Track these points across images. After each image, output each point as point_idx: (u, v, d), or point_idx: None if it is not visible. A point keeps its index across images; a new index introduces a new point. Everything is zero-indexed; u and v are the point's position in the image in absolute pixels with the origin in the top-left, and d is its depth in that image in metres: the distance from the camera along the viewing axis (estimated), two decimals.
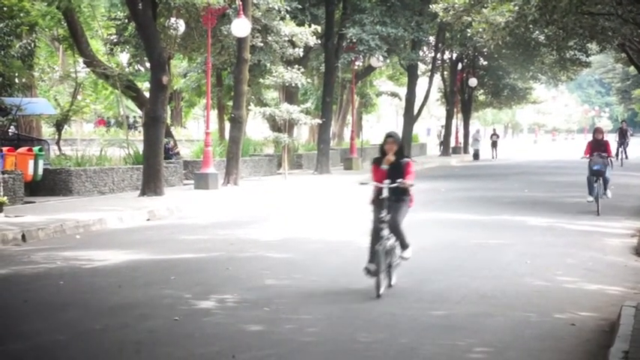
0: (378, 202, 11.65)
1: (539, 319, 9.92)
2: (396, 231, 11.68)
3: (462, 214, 21.76)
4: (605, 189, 21.90)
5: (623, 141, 47.96)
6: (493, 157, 57.81)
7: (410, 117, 54.04)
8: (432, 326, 9.61)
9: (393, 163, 11.65)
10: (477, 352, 8.57)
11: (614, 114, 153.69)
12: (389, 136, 11.87)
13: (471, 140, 61.38)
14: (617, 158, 40.71)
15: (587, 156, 21.94)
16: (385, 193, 11.49)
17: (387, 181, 11.52)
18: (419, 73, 58.18)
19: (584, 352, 8.59)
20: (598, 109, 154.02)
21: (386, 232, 11.47)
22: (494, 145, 58.69)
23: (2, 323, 9.87)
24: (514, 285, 12.04)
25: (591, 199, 21.77)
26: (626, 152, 48.14)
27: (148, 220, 20.91)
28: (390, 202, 11.53)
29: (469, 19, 31.88)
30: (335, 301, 10.94)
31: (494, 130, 63.21)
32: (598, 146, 22.05)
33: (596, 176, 21.65)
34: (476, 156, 58.29)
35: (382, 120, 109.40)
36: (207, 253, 15.15)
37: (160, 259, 14.46)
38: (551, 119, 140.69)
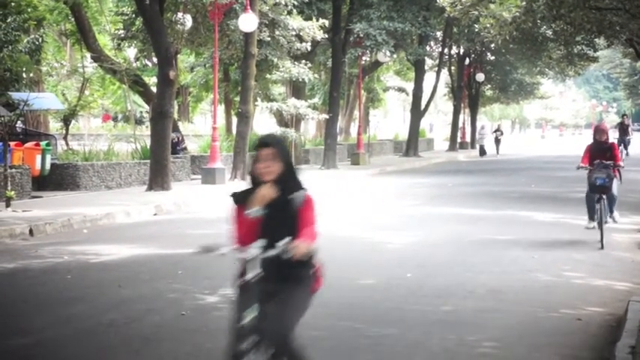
0: (244, 286, 6.08)
1: (545, 314, 9.92)
2: (279, 347, 5.97)
3: (468, 209, 21.75)
4: (612, 211, 15.74)
5: (624, 138, 42.53)
6: (496, 153, 57.16)
7: (417, 112, 54.05)
8: (439, 321, 9.62)
9: (273, 203, 5.99)
10: (484, 347, 8.58)
11: (622, 109, 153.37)
12: (264, 144, 6.06)
13: (477, 136, 60.70)
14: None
15: (586, 166, 15.53)
16: (255, 271, 5.92)
17: (258, 244, 5.93)
18: (426, 68, 58.16)
19: (590, 347, 8.59)
20: (606, 104, 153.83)
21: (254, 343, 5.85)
22: (497, 141, 58.33)
23: (10, 317, 9.90)
24: (521, 280, 12.04)
25: (592, 224, 15.58)
26: (627, 150, 42.26)
27: (155, 214, 20.94)
28: (269, 288, 5.95)
29: (476, 13, 31.84)
30: (342, 295, 10.94)
31: (498, 126, 62.81)
32: (600, 151, 15.65)
33: (599, 193, 15.39)
34: (482, 152, 57.06)
35: (389, 115, 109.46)
36: None
37: (166, 254, 14.48)
38: (558, 114, 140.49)
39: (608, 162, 15.45)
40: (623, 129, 42.18)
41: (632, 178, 32.44)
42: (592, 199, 15.61)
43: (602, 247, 14.91)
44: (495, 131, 59.44)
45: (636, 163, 41.09)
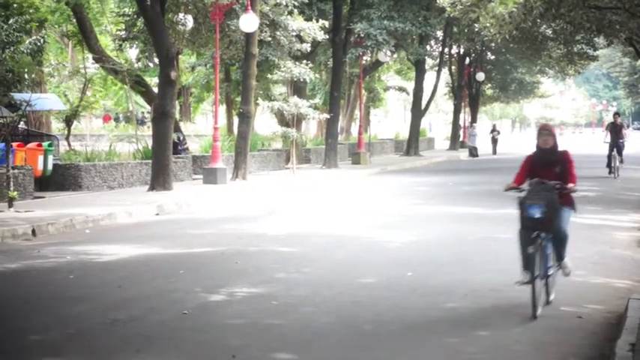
0: None
1: (545, 312, 9.95)
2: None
3: (469, 208, 21.80)
4: (561, 257, 10.53)
5: (617, 141, 33.70)
6: (494, 153, 56.73)
7: (418, 111, 54.14)
8: (439, 319, 9.67)
9: None
10: (484, 345, 8.62)
11: (622, 108, 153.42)
12: None
13: (468, 136, 58.99)
14: (610, 170, 33.03)
15: (517, 187, 10.45)
16: None
17: None
18: (426, 67, 58.24)
19: (590, 345, 8.63)
20: (605, 103, 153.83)
21: None
22: (494, 141, 58.06)
23: (13, 317, 9.95)
24: None
25: (527, 278, 9.91)
26: (621, 156, 34.04)
27: (157, 214, 20.98)
28: None
29: (476, 12, 31.88)
30: (343, 294, 10.99)
31: (494, 125, 62.51)
32: (545, 165, 10.50)
33: (535, 232, 10.02)
34: (472, 153, 54.97)
35: (390, 114, 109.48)
36: (216, 247, 15.21)
37: (168, 254, 14.53)
38: (558, 113, 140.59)
39: (552, 182, 10.15)
40: (615, 130, 34.58)
41: (632, 177, 32.53)
42: (525, 240, 10.03)
43: (534, 318, 9.65)
44: (492, 131, 59.34)
45: (635, 162, 41.11)
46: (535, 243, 9.94)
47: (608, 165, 33.29)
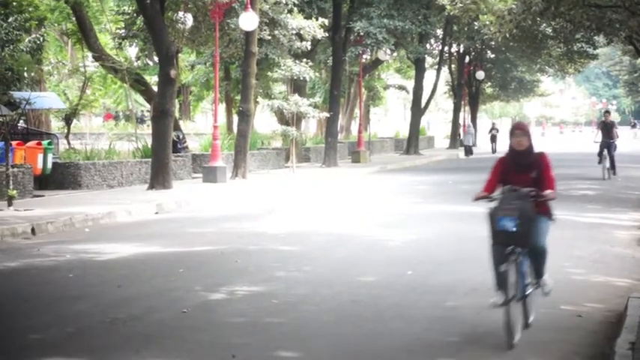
0: None
1: (545, 310, 9.95)
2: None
3: (468, 207, 21.62)
4: (540, 274, 9.24)
5: (608, 142, 30.84)
6: (493, 152, 56.45)
7: (417, 110, 54.17)
8: (440, 318, 9.66)
9: None
10: (484, 344, 8.62)
11: (622, 106, 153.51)
12: None
13: (466, 135, 58.53)
14: (603, 172, 30.70)
15: (487, 195, 9.05)
16: None
17: None
18: (426, 66, 58.23)
19: (590, 344, 8.63)
20: (605, 101, 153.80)
21: None
22: (493, 139, 57.88)
23: (12, 316, 9.94)
24: None
25: (501, 300, 8.60)
26: (613, 162, 31.20)
27: (157, 213, 20.98)
28: None
29: (474, 6, 31.86)
30: (343, 292, 10.99)
31: (493, 124, 62.34)
32: (519, 169, 9.15)
33: (507, 246, 8.70)
34: (468, 151, 54.62)
35: (390, 113, 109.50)
36: (215, 245, 15.21)
37: (168, 252, 14.52)
38: (558, 112, 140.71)
39: (527, 189, 8.83)
40: (606, 129, 31.34)
41: (632, 175, 32.53)
42: (498, 256, 8.73)
43: (510, 347, 8.46)
44: (491, 129, 59.28)
45: (634, 160, 41.14)
46: (509, 260, 8.63)
47: (599, 160, 31.09)
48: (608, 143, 30.77)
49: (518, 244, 8.66)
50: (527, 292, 8.98)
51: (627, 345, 7.88)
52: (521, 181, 8.95)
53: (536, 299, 9.34)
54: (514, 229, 8.55)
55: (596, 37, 45.08)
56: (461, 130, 64.99)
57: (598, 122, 34.31)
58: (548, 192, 8.95)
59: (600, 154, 31.01)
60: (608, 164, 30.82)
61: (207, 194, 24.82)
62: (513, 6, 28.23)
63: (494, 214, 8.69)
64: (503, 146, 59.06)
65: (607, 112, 33.86)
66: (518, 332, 8.63)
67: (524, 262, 8.86)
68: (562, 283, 11.63)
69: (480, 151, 56.74)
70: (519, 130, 9.21)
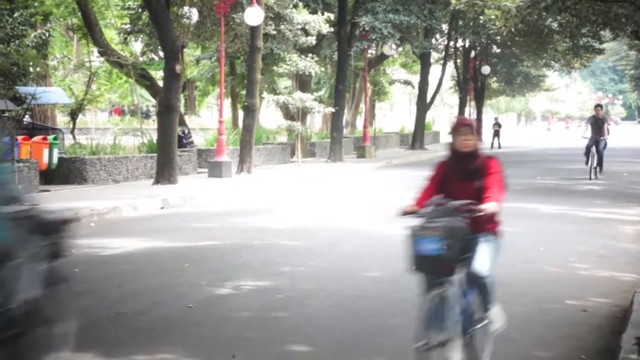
0: None
1: (551, 305, 9.95)
2: None
3: None
4: (487, 303, 7.37)
5: (598, 138, 28.43)
6: (497, 147, 55.91)
7: (423, 105, 54.15)
8: None
9: None
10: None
11: (628, 101, 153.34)
12: None
13: None
14: (590, 172, 28.44)
15: (416, 210, 7.41)
16: None
17: None
18: (432, 61, 58.18)
19: (596, 339, 8.62)
20: (611, 96, 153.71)
21: None
22: (496, 134, 57.59)
23: None
24: (527, 272, 12.06)
25: (423, 342, 6.78)
26: (601, 161, 28.91)
27: (162, 208, 20.98)
28: None
29: (481, 3, 31.82)
30: (349, 287, 10.99)
31: (495, 118, 62.08)
32: (461, 175, 7.39)
33: (429, 273, 6.90)
34: None
35: (395, 108, 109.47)
36: (220, 240, 15.21)
37: (173, 247, 14.53)
38: (564, 107, 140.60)
39: (457, 203, 7.03)
40: (597, 124, 28.62)
41: (639, 170, 32.46)
42: (424, 287, 7.03)
43: None
44: (494, 124, 59.12)
45: (637, 155, 41.06)
46: (436, 291, 6.83)
47: (586, 161, 28.63)
48: (597, 140, 28.33)
49: (441, 272, 6.80)
50: (472, 328, 7.22)
51: (633, 340, 7.86)
52: (463, 192, 7.19)
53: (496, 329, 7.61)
54: (437, 252, 6.69)
55: (602, 32, 45.03)
56: None
57: (588, 118, 30.60)
58: (486, 205, 6.99)
59: (587, 152, 28.53)
60: (595, 163, 28.41)
61: (213, 189, 24.83)
62: (521, 4, 28.18)
63: (414, 234, 6.93)
64: (509, 142, 59.04)
65: (599, 105, 30.66)
66: None
67: (468, 292, 7.13)
68: (567, 278, 11.65)
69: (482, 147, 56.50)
70: (465, 126, 7.36)
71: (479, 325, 7.27)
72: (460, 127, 7.34)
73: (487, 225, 7.30)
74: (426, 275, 6.92)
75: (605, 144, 28.84)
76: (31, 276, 6.17)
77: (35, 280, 6.24)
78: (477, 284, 7.15)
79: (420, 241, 6.81)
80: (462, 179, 7.28)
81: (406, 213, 7.42)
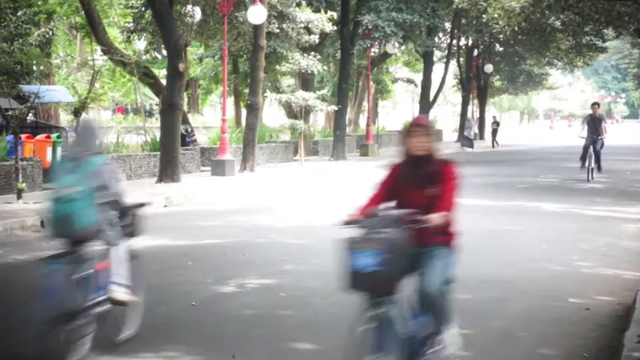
0: None
1: (554, 303, 9.96)
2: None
3: (477, 200, 21.75)
4: (438, 332, 6.58)
5: (594, 138, 27.33)
6: (494, 146, 55.71)
7: (426, 103, 54.17)
8: None
9: None
10: (492, 337, 8.62)
11: (631, 99, 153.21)
12: None
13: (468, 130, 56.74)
14: (588, 173, 27.29)
15: (355, 221, 6.86)
16: None
17: None
18: (435, 59, 58.20)
19: (599, 337, 8.64)
20: (614, 94, 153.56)
21: None
22: (494, 133, 57.27)
23: (22, 309, 9.97)
24: (530, 270, 12.08)
25: None
26: (599, 162, 28.04)
27: (165, 206, 21.00)
28: None
29: (484, 4, 31.86)
30: None
31: (494, 117, 61.67)
32: (414, 180, 6.66)
33: (369, 292, 6.32)
34: (465, 145, 52.12)
35: (398, 106, 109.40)
36: (224, 239, 15.23)
37: (177, 245, 14.55)
38: (567, 105, 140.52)
39: (400, 212, 6.49)
40: (594, 123, 27.52)
41: (639, 168, 32.46)
42: (365, 305, 6.44)
43: None
44: (492, 123, 58.99)
45: (638, 153, 41.01)
46: (374, 312, 6.27)
47: (582, 161, 27.69)
48: (594, 139, 27.30)
49: (381, 290, 6.21)
50: (419, 358, 6.55)
51: (636, 338, 7.88)
52: (414, 199, 6.55)
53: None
54: (373, 268, 6.09)
55: (604, 30, 45.05)
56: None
57: (585, 116, 29.32)
58: (433, 216, 6.32)
59: (584, 154, 27.53)
60: (593, 164, 27.40)
61: (216, 187, 24.85)
62: (525, 3, 28.20)
63: (349, 247, 6.33)
64: (515, 140, 58.75)
65: (596, 104, 29.10)
66: None
67: (420, 313, 6.53)
68: (570, 276, 11.66)
69: (481, 146, 56.64)
70: (419, 127, 6.69)
71: (430, 351, 6.55)
72: (413, 127, 6.69)
73: (438, 237, 6.53)
74: (363, 294, 6.31)
75: (602, 143, 27.89)
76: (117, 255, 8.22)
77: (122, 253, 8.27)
78: (427, 303, 6.45)
79: (355, 256, 6.20)
80: (415, 185, 6.61)
81: (348, 223, 6.73)
